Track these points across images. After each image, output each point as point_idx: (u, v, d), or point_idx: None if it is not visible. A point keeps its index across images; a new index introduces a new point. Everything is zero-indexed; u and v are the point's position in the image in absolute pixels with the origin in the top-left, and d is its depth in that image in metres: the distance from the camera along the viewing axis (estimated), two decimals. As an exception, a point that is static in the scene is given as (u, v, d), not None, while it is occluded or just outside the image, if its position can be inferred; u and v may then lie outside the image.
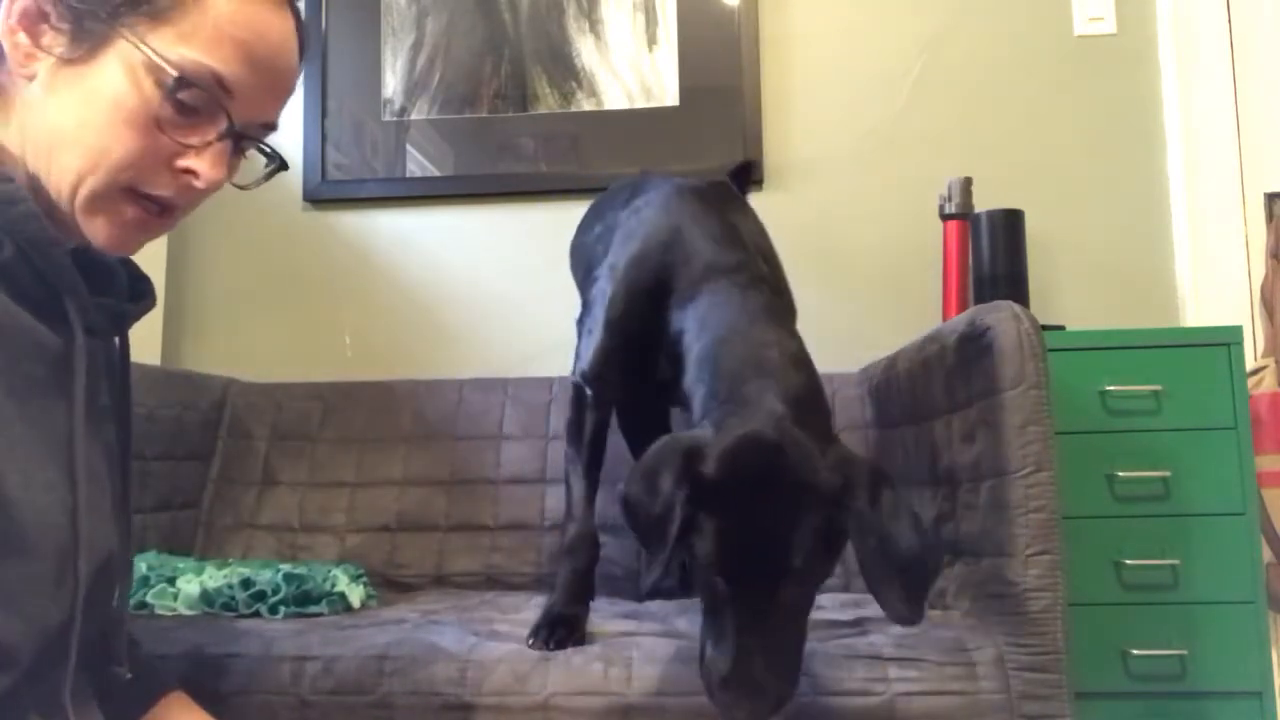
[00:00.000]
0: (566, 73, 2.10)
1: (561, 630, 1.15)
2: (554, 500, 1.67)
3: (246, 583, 1.33)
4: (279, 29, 0.73)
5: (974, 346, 1.20)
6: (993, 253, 1.81)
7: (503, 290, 2.08)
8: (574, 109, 2.09)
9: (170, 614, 1.31)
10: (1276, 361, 1.75)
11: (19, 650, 0.65)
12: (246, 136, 0.74)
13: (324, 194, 2.13)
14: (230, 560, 1.57)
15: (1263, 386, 1.71)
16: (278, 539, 1.73)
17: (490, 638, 1.18)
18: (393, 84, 2.14)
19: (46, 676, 0.70)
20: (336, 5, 2.17)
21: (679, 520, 0.91)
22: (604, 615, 1.28)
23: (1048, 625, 1.08)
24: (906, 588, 0.91)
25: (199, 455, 1.81)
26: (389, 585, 1.64)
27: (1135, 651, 1.46)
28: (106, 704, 0.80)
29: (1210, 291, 1.89)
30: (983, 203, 1.84)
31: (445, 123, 2.12)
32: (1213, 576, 1.47)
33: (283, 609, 1.30)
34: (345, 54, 2.16)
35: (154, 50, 0.67)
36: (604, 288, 1.28)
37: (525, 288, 2.06)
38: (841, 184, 2.04)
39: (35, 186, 0.70)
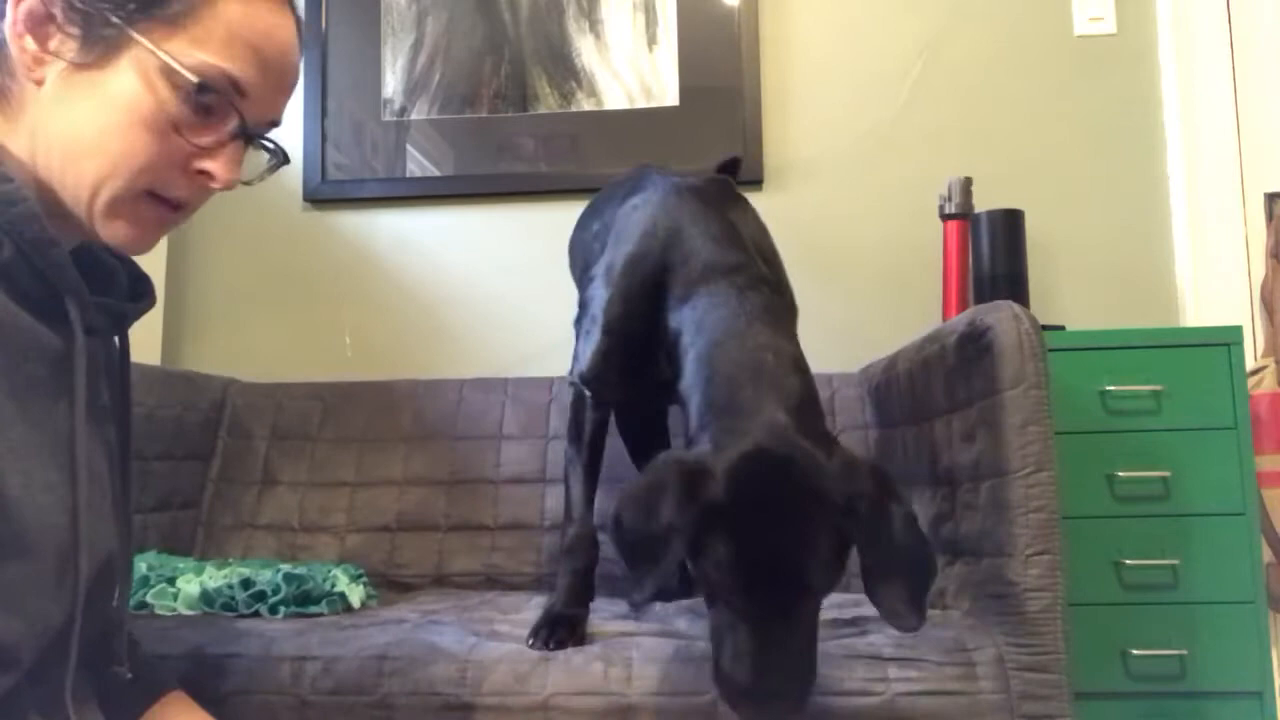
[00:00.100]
0: (566, 73, 2.10)
1: (561, 630, 1.15)
2: (554, 500, 1.67)
3: (246, 583, 1.33)
4: (285, 28, 0.75)
5: (974, 346, 1.20)
6: (993, 253, 1.81)
7: (503, 290, 2.08)
8: (574, 109, 2.09)
9: (170, 614, 1.31)
10: (1276, 361, 1.75)
11: (20, 650, 0.66)
12: (255, 134, 0.76)
13: (324, 194, 2.13)
14: (230, 560, 1.57)
15: (1263, 386, 1.71)
16: (278, 539, 1.73)
17: (490, 638, 1.18)
18: (393, 84, 2.14)
19: (47, 676, 0.71)
20: (336, 5, 2.17)
21: (678, 546, 0.89)
22: (604, 615, 1.28)
23: (1048, 625, 1.08)
24: (909, 591, 0.92)
25: (199, 455, 1.81)
26: (389, 585, 1.64)
27: (1135, 651, 1.46)
28: (106, 704, 0.80)
29: (1210, 291, 1.89)
30: (983, 203, 1.84)
31: (445, 123, 2.12)
32: (1213, 576, 1.47)
33: (283, 609, 1.30)
34: (345, 54, 2.16)
35: (171, 56, 0.68)
36: (601, 288, 1.27)
37: (525, 288, 2.06)
38: (841, 184, 2.04)
39: (43, 190, 0.70)
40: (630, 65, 2.09)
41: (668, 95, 2.07)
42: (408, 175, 2.13)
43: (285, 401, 1.88)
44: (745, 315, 1.08)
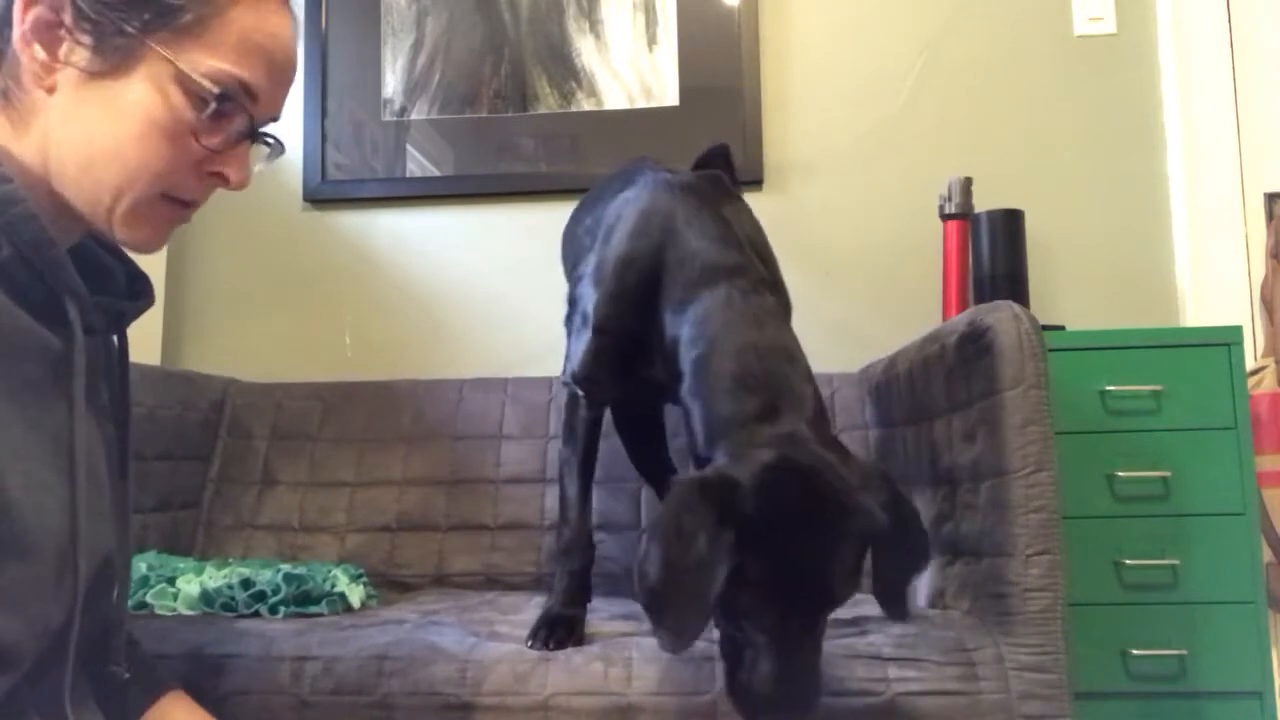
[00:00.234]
0: (566, 73, 2.10)
1: (561, 631, 1.15)
2: (554, 500, 1.66)
3: (246, 583, 1.33)
4: (288, 28, 0.76)
5: (974, 346, 1.20)
6: (993, 253, 1.81)
7: (503, 290, 2.08)
8: (574, 109, 2.09)
9: (170, 614, 1.31)
10: (1276, 361, 1.75)
11: (20, 651, 0.65)
12: (260, 132, 0.77)
13: (324, 194, 2.13)
14: (230, 560, 1.57)
15: (1263, 386, 1.71)
16: (278, 539, 1.73)
17: (490, 638, 1.17)
18: (393, 84, 2.14)
19: (46, 677, 0.71)
20: (336, 5, 2.17)
21: (723, 570, 0.85)
22: (604, 615, 1.28)
23: (1048, 625, 1.08)
24: (906, 582, 0.93)
25: (199, 455, 1.81)
26: (389, 585, 1.63)
27: (1135, 651, 1.46)
28: (106, 704, 0.80)
29: (1210, 291, 1.89)
30: (983, 203, 1.84)
31: (445, 123, 2.12)
32: (1212, 576, 1.47)
33: (283, 609, 1.30)
34: (345, 54, 2.16)
35: (189, 66, 0.69)
36: (591, 286, 1.25)
37: (525, 288, 2.06)
38: (841, 184, 2.04)
39: (54, 195, 0.71)
40: (630, 65, 2.09)
41: (668, 95, 2.07)
42: (408, 175, 2.13)
43: (285, 401, 1.88)
44: (751, 321, 1.06)
